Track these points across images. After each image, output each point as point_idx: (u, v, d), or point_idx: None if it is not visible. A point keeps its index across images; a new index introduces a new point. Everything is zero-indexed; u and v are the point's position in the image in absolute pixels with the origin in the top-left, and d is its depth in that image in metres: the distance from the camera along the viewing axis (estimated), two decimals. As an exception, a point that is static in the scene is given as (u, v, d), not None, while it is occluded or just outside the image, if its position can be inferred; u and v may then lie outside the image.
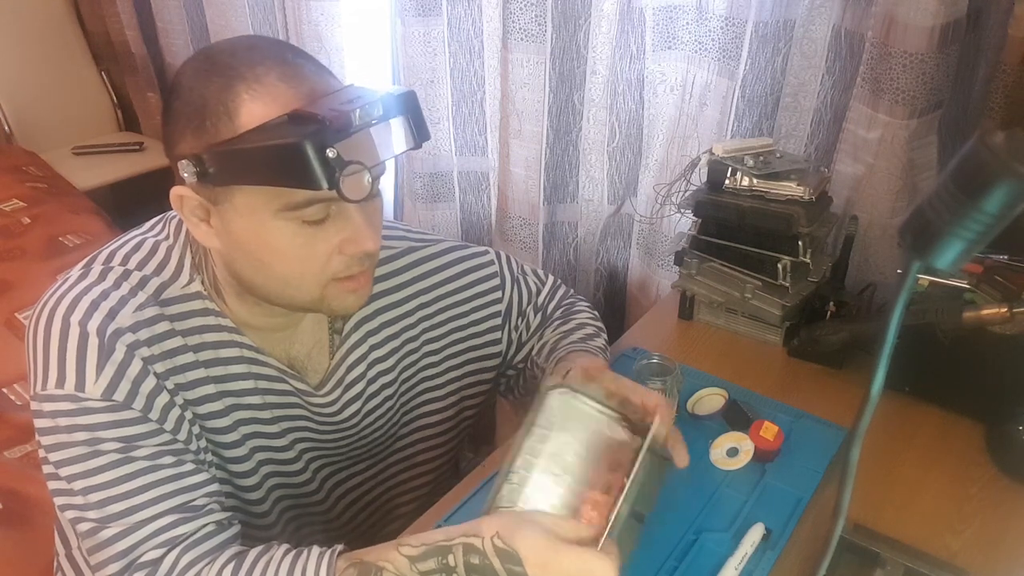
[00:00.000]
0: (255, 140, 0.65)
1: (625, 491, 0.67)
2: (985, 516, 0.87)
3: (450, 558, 0.66)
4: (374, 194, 0.73)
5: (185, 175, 0.67)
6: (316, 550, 0.71)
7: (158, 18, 2.28)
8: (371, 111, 0.66)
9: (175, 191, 0.71)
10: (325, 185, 0.62)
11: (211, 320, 0.78)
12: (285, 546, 0.73)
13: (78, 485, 0.71)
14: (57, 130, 2.57)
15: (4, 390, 1.56)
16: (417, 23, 1.57)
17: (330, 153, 0.62)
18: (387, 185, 1.95)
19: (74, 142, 2.57)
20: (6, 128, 2.50)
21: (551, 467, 0.72)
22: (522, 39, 1.41)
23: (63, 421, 0.71)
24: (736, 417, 0.97)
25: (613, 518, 0.66)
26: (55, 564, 0.94)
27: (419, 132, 0.71)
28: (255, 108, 0.66)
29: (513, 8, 1.38)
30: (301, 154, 0.61)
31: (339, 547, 0.72)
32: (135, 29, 2.40)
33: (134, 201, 2.34)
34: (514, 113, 1.48)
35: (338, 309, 0.76)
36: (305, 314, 0.83)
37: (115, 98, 2.73)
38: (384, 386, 0.92)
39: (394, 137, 0.68)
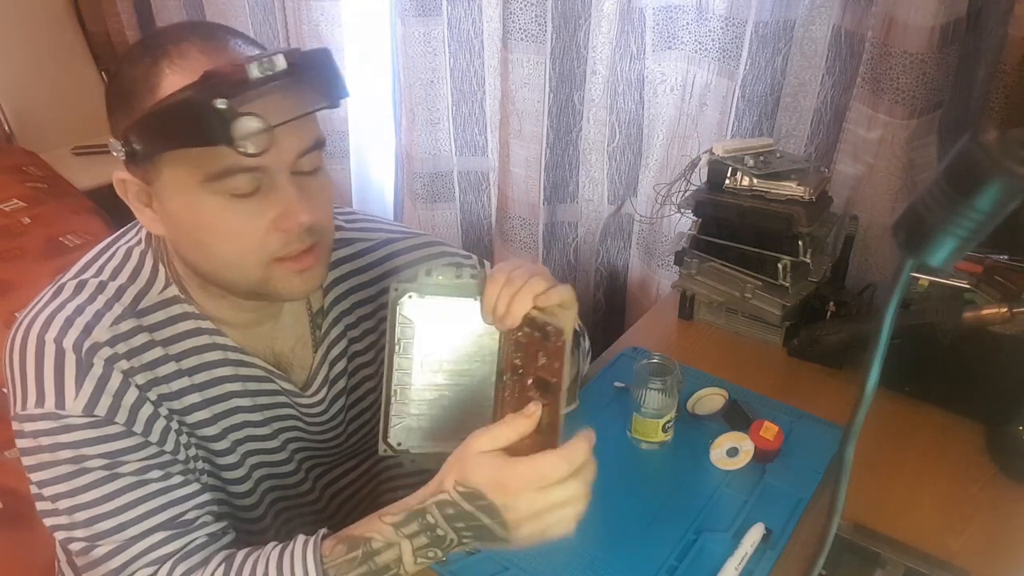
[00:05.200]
0: (161, 104, 0.64)
1: (565, 384, 0.65)
2: (985, 517, 0.87)
3: (428, 517, 0.66)
4: (307, 168, 0.70)
5: (115, 154, 0.67)
6: (301, 539, 0.70)
7: (158, 18, 2.28)
8: (271, 65, 0.63)
9: (116, 175, 0.70)
10: (217, 138, 0.61)
11: (191, 324, 0.77)
12: (273, 543, 0.73)
13: (64, 504, 0.70)
14: (57, 130, 2.56)
15: (4, 390, 1.55)
16: (417, 23, 1.57)
17: (219, 104, 0.61)
18: (387, 185, 1.95)
19: (74, 142, 2.56)
20: (6, 128, 2.50)
21: (427, 376, 0.72)
22: (522, 39, 1.41)
23: (45, 440, 0.69)
24: (736, 417, 0.97)
25: (563, 413, 0.65)
26: (56, 569, 0.94)
27: (333, 90, 0.68)
28: (175, 80, 0.65)
29: (513, 8, 1.38)
30: (192, 106, 0.61)
31: (323, 531, 0.71)
32: (135, 29, 2.40)
33: (134, 201, 2.33)
34: (514, 113, 1.48)
35: (284, 292, 0.72)
36: (283, 308, 0.81)
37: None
38: (366, 379, 0.91)
39: (306, 95, 0.66)
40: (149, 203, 0.71)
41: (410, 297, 0.71)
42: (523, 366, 0.70)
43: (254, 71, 0.62)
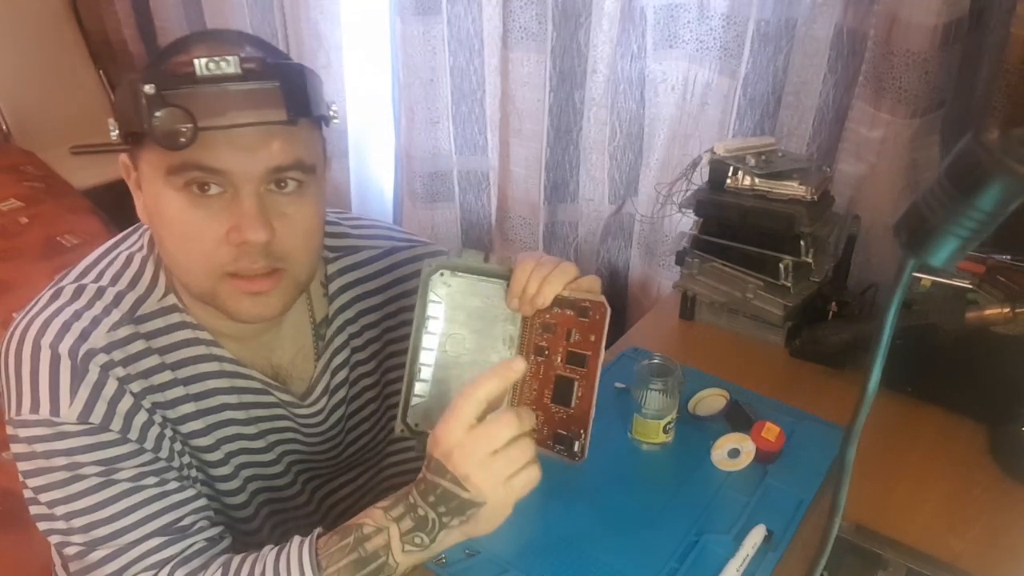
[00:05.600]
0: (121, 85, 0.66)
1: (600, 359, 0.69)
2: (988, 518, 0.86)
3: (409, 498, 0.67)
4: (285, 188, 0.68)
5: (112, 134, 0.68)
6: (297, 539, 0.70)
7: (156, 17, 2.27)
8: (218, 66, 0.63)
9: (120, 157, 0.71)
10: (142, 123, 0.62)
11: (188, 334, 0.76)
12: (270, 545, 0.72)
13: (60, 511, 0.70)
14: (55, 129, 2.56)
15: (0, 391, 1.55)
16: (416, 21, 1.57)
17: (148, 89, 0.61)
18: (386, 185, 1.94)
19: (72, 141, 2.56)
20: (3, 128, 2.49)
21: (448, 356, 0.73)
22: (522, 37, 1.40)
23: (39, 447, 0.69)
24: (737, 418, 0.97)
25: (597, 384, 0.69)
26: (53, 572, 0.93)
27: (294, 106, 0.65)
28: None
29: (513, 7, 1.38)
30: (132, 90, 0.62)
31: (318, 530, 0.71)
32: (133, 28, 2.40)
33: (132, 201, 2.33)
34: (514, 112, 1.48)
35: (232, 312, 0.71)
36: (284, 320, 0.80)
37: (113, 97, 2.72)
38: (366, 388, 0.90)
39: (261, 107, 0.64)
40: (142, 190, 0.72)
41: (441, 275, 0.72)
42: (550, 346, 0.72)
43: (200, 68, 0.62)
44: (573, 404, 0.69)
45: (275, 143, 0.66)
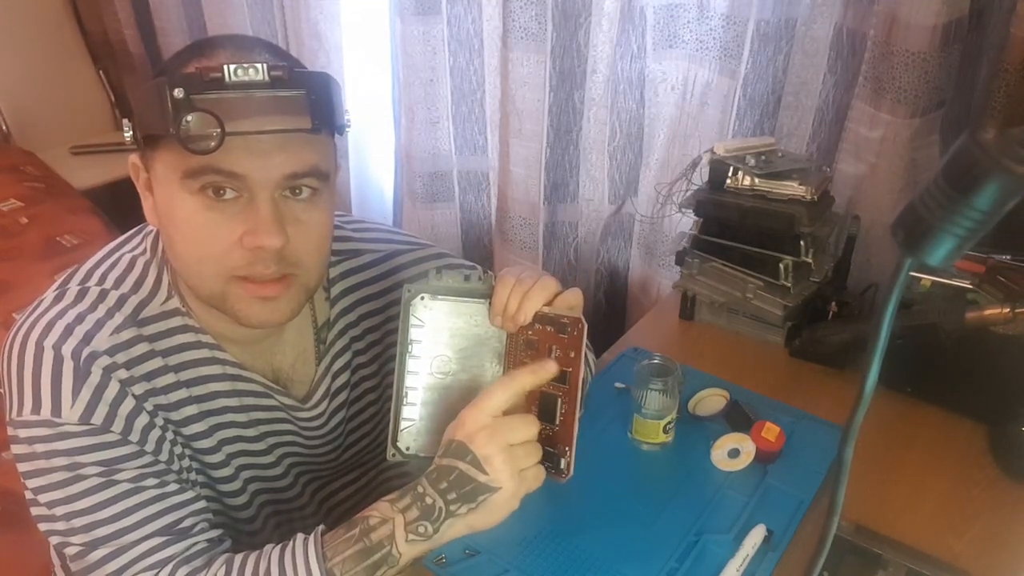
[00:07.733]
0: (144, 87, 0.66)
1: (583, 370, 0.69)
2: (987, 518, 0.86)
3: (418, 488, 0.67)
4: (300, 194, 0.68)
5: (126, 136, 0.68)
6: (300, 536, 0.71)
7: (156, 17, 2.27)
8: (247, 72, 0.63)
9: (130, 158, 0.71)
10: (168, 127, 0.62)
11: (191, 337, 0.76)
12: (273, 544, 0.72)
13: (60, 511, 0.70)
14: (55, 129, 2.56)
15: (1, 391, 1.55)
16: (416, 22, 1.57)
17: (176, 93, 0.61)
18: (386, 185, 1.94)
19: (72, 141, 2.56)
20: (3, 128, 2.49)
21: (436, 379, 0.73)
22: (522, 38, 1.40)
23: (40, 447, 0.69)
24: (737, 418, 0.97)
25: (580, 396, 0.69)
26: (52, 573, 0.93)
27: (320, 117, 0.66)
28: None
29: (513, 7, 1.38)
30: (158, 92, 0.62)
31: (321, 527, 0.71)
32: (133, 28, 2.40)
33: (132, 201, 2.32)
34: (514, 112, 1.48)
35: (241, 316, 0.71)
36: (286, 325, 0.80)
37: (113, 97, 2.72)
38: (367, 391, 0.91)
39: (287, 115, 0.64)
40: (152, 192, 0.71)
41: (422, 299, 0.72)
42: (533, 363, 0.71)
43: (229, 74, 0.63)
44: (558, 421, 0.69)
45: (293, 150, 0.66)
